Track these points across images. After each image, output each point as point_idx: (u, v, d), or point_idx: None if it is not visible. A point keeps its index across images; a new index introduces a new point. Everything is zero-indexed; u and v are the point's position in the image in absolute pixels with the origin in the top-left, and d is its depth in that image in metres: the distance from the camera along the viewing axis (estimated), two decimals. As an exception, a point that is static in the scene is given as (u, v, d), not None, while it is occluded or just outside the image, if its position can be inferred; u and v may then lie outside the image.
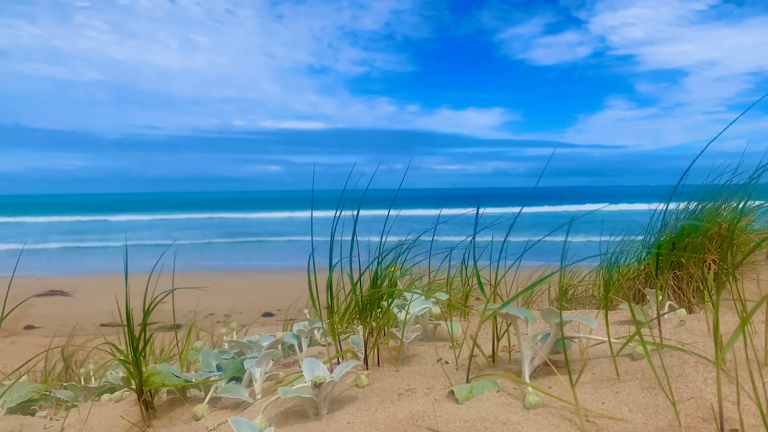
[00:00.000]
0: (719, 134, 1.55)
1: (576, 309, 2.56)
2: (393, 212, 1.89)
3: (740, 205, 2.51)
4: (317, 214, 1.88)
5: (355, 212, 1.73)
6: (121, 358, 1.59)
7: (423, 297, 1.79)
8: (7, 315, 1.69)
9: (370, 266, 1.97)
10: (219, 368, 1.72)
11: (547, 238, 1.71)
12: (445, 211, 2.20)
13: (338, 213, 1.70)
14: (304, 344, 1.90)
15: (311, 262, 1.73)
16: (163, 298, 1.68)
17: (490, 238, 1.85)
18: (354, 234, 1.73)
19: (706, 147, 1.60)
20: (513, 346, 1.59)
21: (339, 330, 1.97)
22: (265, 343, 1.83)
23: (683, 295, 2.14)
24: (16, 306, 1.74)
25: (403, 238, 2.30)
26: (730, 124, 1.49)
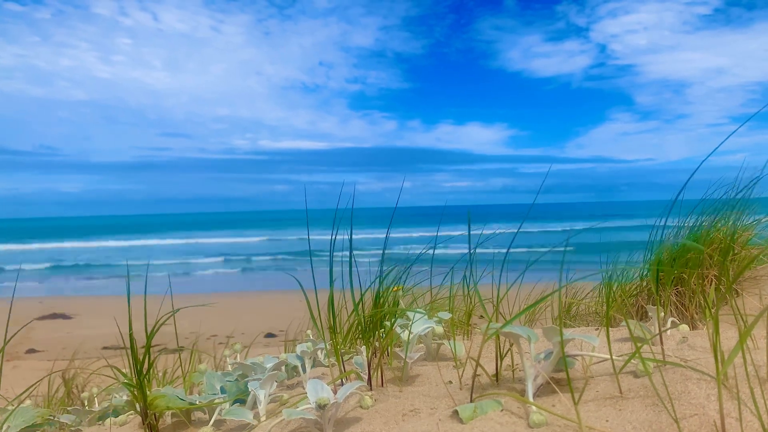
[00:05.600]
0: (715, 149, 1.56)
1: (579, 326, 2.56)
2: (396, 231, 1.90)
3: (739, 219, 2.52)
4: (324, 234, 1.89)
5: (359, 232, 1.75)
6: (126, 381, 1.60)
7: (426, 316, 1.80)
8: (9, 340, 1.70)
9: (372, 286, 1.98)
10: (223, 390, 1.72)
11: (549, 256, 1.72)
12: (447, 231, 2.21)
13: (335, 232, 1.72)
14: (308, 365, 1.90)
15: (313, 282, 1.74)
16: (167, 320, 1.69)
17: (491, 256, 1.86)
18: (351, 253, 1.74)
19: (702, 162, 1.61)
20: (516, 364, 1.59)
21: (342, 351, 1.97)
22: (269, 365, 1.83)
23: (686, 311, 2.15)
24: (19, 330, 1.75)
25: (406, 256, 2.31)
26: (726, 138, 1.51)
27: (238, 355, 2.35)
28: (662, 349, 1.52)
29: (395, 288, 2.20)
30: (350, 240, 1.73)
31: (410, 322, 1.74)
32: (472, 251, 1.84)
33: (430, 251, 2.22)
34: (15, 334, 1.67)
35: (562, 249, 1.48)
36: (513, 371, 1.55)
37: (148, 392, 1.59)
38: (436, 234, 2.16)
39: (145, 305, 1.67)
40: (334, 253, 1.75)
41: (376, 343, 1.72)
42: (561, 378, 1.40)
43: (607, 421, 1.15)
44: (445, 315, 1.91)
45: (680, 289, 2.19)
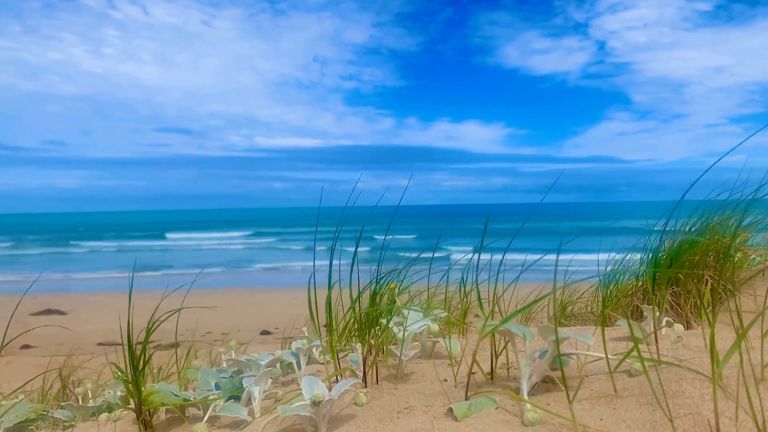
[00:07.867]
0: (728, 152, 1.53)
1: (575, 325, 2.56)
2: (395, 230, 1.91)
3: (737, 222, 2.53)
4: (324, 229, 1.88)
5: (357, 229, 1.75)
6: (121, 376, 1.59)
7: (422, 314, 1.80)
8: (4, 337, 1.69)
9: (370, 284, 1.98)
10: (217, 387, 1.72)
11: (547, 256, 1.72)
12: (448, 229, 2.21)
13: (338, 230, 1.72)
14: (303, 362, 1.90)
15: (311, 279, 1.73)
16: (166, 318, 1.69)
17: (489, 257, 1.86)
18: (355, 253, 1.74)
19: (712, 165, 1.58)
20: (511, 363, 1.59)
21: (338, 348, 1.97)
22: (264, 362, 1.83)
23: (681, 311, 2.15)
24: (10, 323, 1.74)
25: (403, 254, 2.32)
26: (742, 142, 1.49)
27: (234, 352, 2.35)
28: (657, 348, 1.52)
29: (392, 286, 2.20)
30: (357, 240, 1.73)
31: (406, 320, 1.74)
32: (474, 252, 1.84)
33: (429, 249, 2.22)
34: (7, 328, 1.66)
35: (560, 249, 1.48)
36: (508, 369, 1.55)
37: (143, 388, 1.59)
38: (438, 234, 2.16)
39: (160, 303, 1.67)
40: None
41: (372, 341, 1.72)
42: (556, 376, 1.40)
43: (601, 419, 1.15)
44: (441, 313, 1.92)
45: (676, 289, 2.19)
